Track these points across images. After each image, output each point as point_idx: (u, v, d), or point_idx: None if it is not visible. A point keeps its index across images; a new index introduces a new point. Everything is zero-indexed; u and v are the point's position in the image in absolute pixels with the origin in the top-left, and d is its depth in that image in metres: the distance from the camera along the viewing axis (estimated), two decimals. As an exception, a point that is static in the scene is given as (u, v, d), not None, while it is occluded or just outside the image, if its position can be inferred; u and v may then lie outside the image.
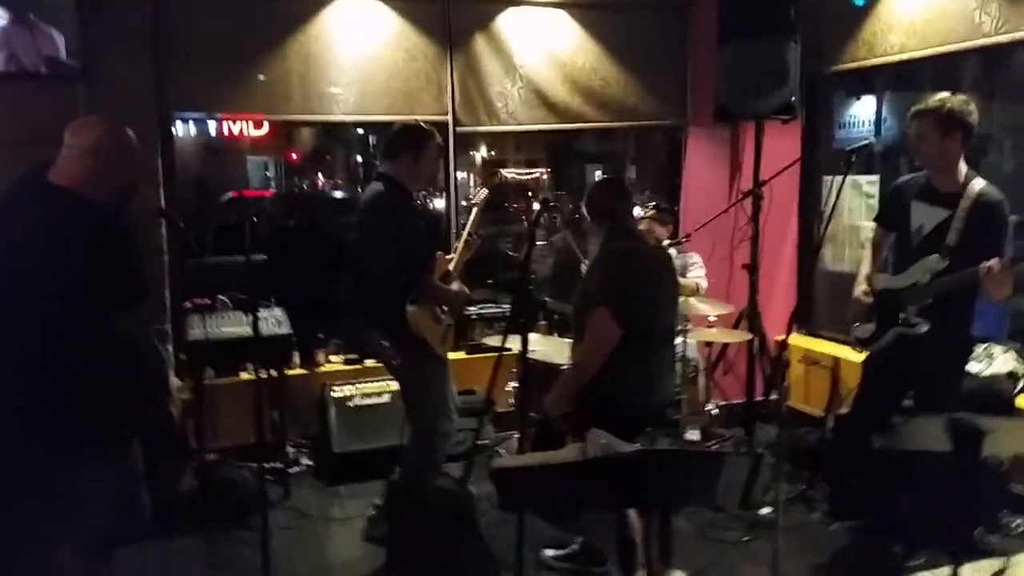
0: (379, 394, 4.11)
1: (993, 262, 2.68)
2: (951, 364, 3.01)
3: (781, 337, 2.95)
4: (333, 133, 8.30)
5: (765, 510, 3.45)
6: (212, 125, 7.12)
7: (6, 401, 2.10)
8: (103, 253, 2.09)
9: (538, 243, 4.73)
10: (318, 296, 4.41)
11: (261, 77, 4.10)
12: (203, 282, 4.10)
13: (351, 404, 4.07)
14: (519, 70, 4.54)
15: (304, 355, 4.32)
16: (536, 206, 3.72)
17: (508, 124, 4.60)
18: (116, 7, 3.73)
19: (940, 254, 2.88)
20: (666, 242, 4.03)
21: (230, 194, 6.77)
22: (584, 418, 2.58)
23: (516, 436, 3.80)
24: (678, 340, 3.68)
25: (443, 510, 2.63)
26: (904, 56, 3.90)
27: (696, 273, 4.29)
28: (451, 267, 3.35)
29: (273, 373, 3.82)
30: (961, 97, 2.89)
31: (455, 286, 3.32)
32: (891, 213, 3.16)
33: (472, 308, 4.71)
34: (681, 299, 3.82)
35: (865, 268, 3.21)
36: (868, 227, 3.48)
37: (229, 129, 7.33)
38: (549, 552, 3.12)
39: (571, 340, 2.93)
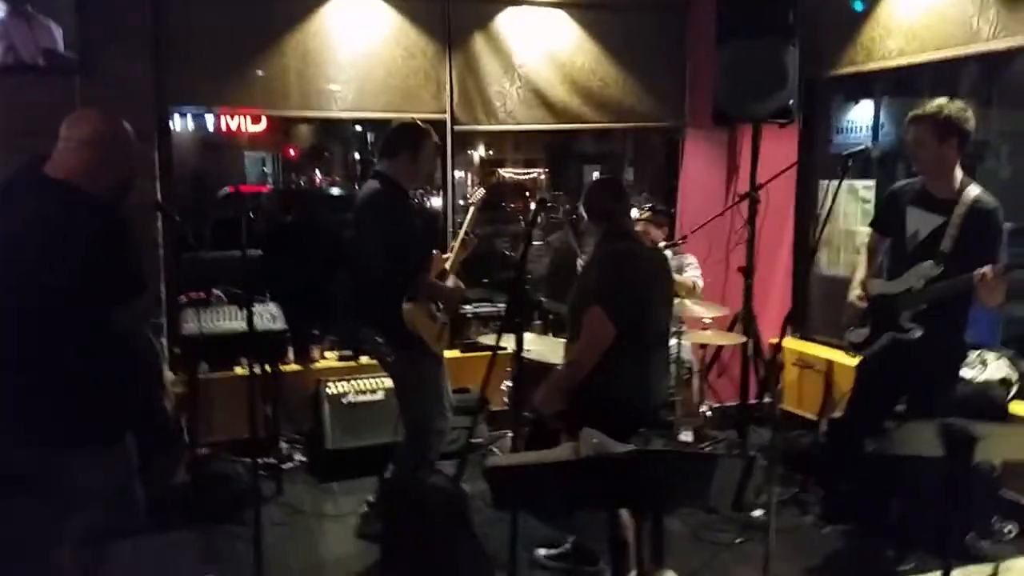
0: (373, 391, 4.10)
1: (987, 269, 2.69)
2: (944, 370, 3.02)
3: (775, 340, 2.96)
4: (331, 130, 8.29)
5: (758, 512, 3.46)
6: (210, 120, 7.10)
7: (1, 395, 2.09)
8: (100, 247, 2.09)
9: (535, 243, 4.74)
10: (314, 292, 4.42)
11: (259, 73, 4.09)
12: (198, 276, 4.10)
13: (345, 401, 4.06)
14: (518, 69, 4.54)
15: (298, 351, 4.32)
16: (533, 206, 3.73)
17: (506, 123, 4.60)
18: (115, 0, 3.72)
19: (935, 260, 2.89)
20: (662, 244, 4.04)
21: (227, 189, 6.75)
22: (578, 417, 2.59)
23: (510, 435, 3.80)
24: (673, 342, 3.69)
25: (437, 508, 2.63)
26: (902, 61, 3.91)
27: (692, 273, 4.30)
28: (447, 266, 3.35)
29: (267, 368, 3.81)
30: (959, 104, 2.90)
31: (451, 282, 3.32)
32: (887, 218, 3.17)
33: (468, 307, 4.71)
34: (677, 299, 3.84)
35: (860, 273, 3.21)
36: (864, 232, 3.50)
37: (227, 124, 7.32)
38: (542, 551, 3.12)
39: (566, 339, 2.93)
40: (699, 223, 4.27)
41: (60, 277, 2.05)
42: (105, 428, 2.17)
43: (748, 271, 4.21)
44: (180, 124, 6.80)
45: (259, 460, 3.19)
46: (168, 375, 3.16)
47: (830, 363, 4.26)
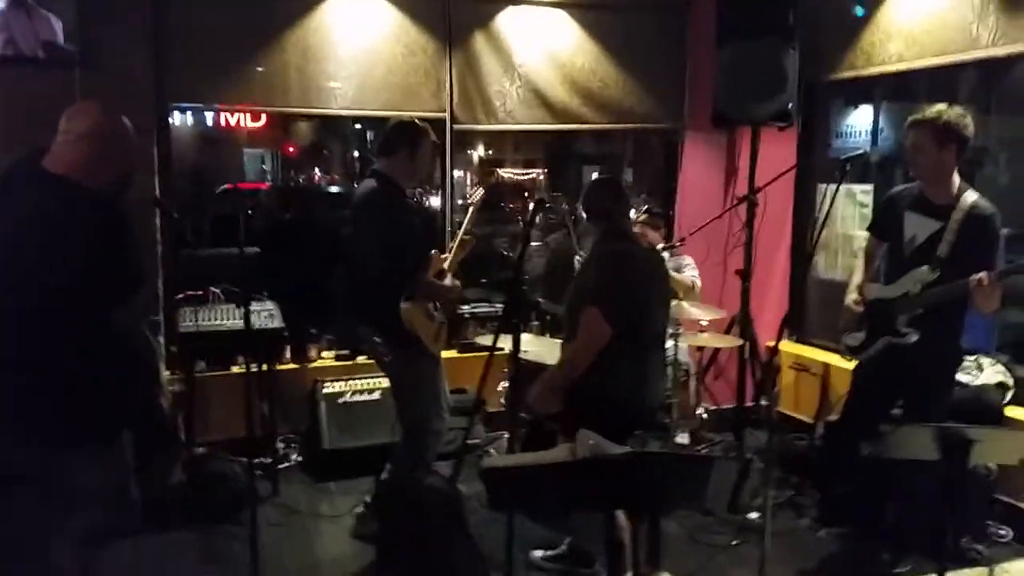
0: (370, 391, 4.10)
1: (983, 275, 2.70)
2: (940, 374, 3.03)
3: (772, 343, 2.97)
4: (330, 127, 8.28)
5: (754, 515, 3.47)
6: (209, 116, 7.09)
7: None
8: (99, 243, 2.08)
9: (533, 243, 4.74)
10: (312, 291, 4.41)
11: (259, 69, 4.08)
12: (196, 274, 4.09)
13: (342, 400, 4.06)
14: (518, 69, 4.54)
15: (296, 350, 4.32)
16: (531, 206, 3.73)
17: (506, 123, 4.60)
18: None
19: (931, 265, 2.90)
20: (660, 245, 4.04)
21: (225, 186, 6.75)
22: (574, 418, 2.59)
23: (506, 436, 3.80)
24: (670, 344, 3.69)
25: (433, 509, 2.63)
26: (902, 66, 3.92)
27: (690, 273, 4.31)
28: (446, 265, 3.35)
29: (264, 367, 3.80)
30: (958, 110, 2.91)
31: (448, 281, 3.32)
32: (884, 223, 3.18)
33: (465, 307, 4.71)
34: (675, 300, 3.84)
35: (857, 277, 3.22)
36: (861, 236, 3.51)
37: (226, 120, 7.31)
38: (538, 553, 3.12)
39: (562, 339, 2.93)
40: (697, 225, 4.27)
41: (59, 273, 2.04)
42: (103, 427, 2.16)
43: (746, 274, 4.21)
44: (179, 119, 6.79)
45: (255, 460, 3.18)
46: (165, 373, 3.16)
47: (826, 366, 4.27)
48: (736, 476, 3.64)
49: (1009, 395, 3.51)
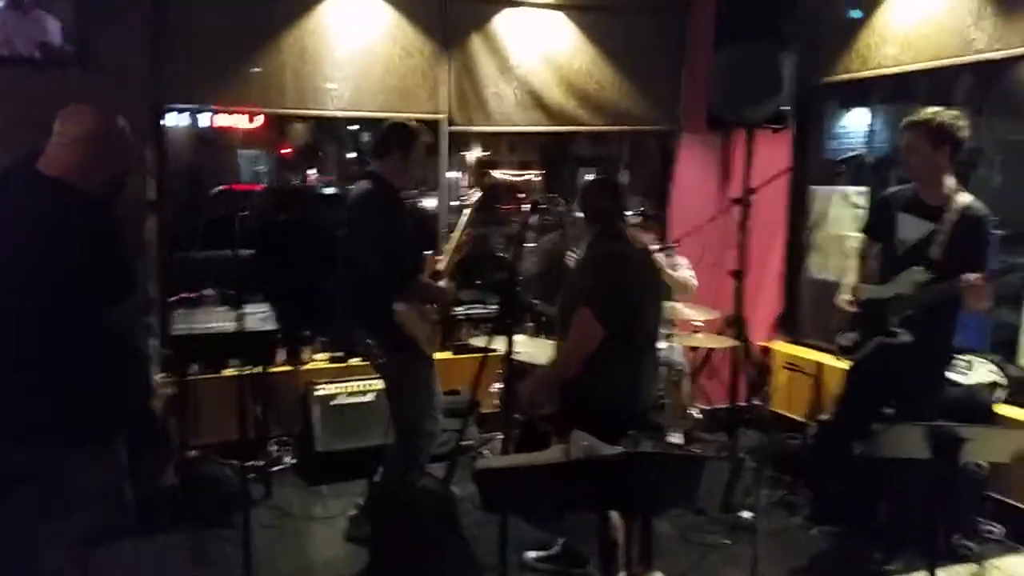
0: (363, 393, 4.09)
1: (973, 276, 2.71)
2: (932, 374, 3.04)
3: (765, 343, 2.99)
4: (326, 129, 8.25)
5: (746, 514, 3.47)
6: (205, 116, 7.07)
7: None
8: (92, 246, 2.08)
9: (528, 245, 4.74)
10: (306, 293, 4.40)
11: (256, 70, 4.08)
12: (190, 276, 4.08)
13: (335, 403, 4.05)
14: (515, 71, 4.54)
15: (289, 352, 4.31)
16: (527, 208, 3.73)
17: (502, 125, 4.60)
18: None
19: (924, 266, 2.91)
20: (656, 247, 4.05)
21: (220, 187, 6.70)
22: (567, 419, 2.59)
23: (500, 437, 3.80)
24: (663, 344, 3.69)
25: (426, 511, 2.63)
26: (897, 69, 3.93)
27: (686, 272, 4.31)
28: (441, 267, 3.35)
29: (257, 369, 3.79)
30: (953, 112, 2.93)
31: (443, 284, 3.32)
32: (878, 224, 3.20)
33: (459, 308, 4.70)
34: (669, 303, 3.84)
35: (850, 277, 3.23)
36: (855, 237, 3.52)
37: (222, 121, 7.28)
38: (531, 554, 3.12)
39: (556, 339, 2.93)
40: (692, 226, 4.27)
41: (52, 277, 2.05)
42: (97, 428, 2.16)
43: (739, 275, 4.21)
44: (175, 120, 6.76)
45: (248, 462, 3.19)
46: (158, 376, 3.16)
47: (819, 366, 4.28)
48: (729, 476, 3.64)
49: (1000, 394, 3.53)
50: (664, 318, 3.41)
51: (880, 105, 4.65)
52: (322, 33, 4.18)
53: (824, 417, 3.81)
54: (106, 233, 2.13)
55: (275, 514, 3.58)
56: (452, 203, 4.92)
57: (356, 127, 8.01)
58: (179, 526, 3.24)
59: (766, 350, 2.70)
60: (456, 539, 2.62)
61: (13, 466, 2.08)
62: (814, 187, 4.57)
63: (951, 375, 3.30)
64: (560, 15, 4.60)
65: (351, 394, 4.09)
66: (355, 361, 4.29)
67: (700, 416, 4.35)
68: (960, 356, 3.44)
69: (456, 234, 3.43)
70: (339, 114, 4.38)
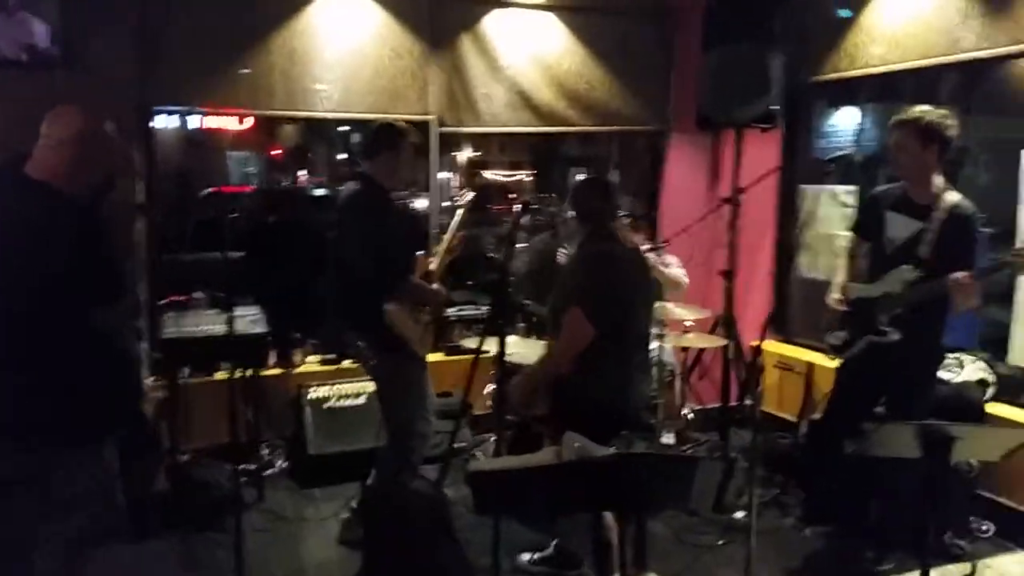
0: (355, 395, 4.08)
1: (961, 274, 2.73)
2: (922, 372, 3.06)
3: (756, 343, 3.00)
4: (316, 130, 8.21)
5: (739, 514, 3.48)
6: (194, 118, 7.02)
7: None
8: (80, 250, 2.08)
9: (519, 245, 4.73)
10: (296, 295, 4.38)
11: (245, 71, 4.06)
12: (180, 278, 4.05)
13: (327, 405, 4.04)
14: (504, 71, 4.54)
15: (280, 355, 4.29)
16: (517, 208, 3.73)
17: (492, 125, 4.60)
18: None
19: (913, 264, 2.93)
20: (646, 246, 4.05)
21: (209, 189, 6.66)
22: (559, 419, 2.59)
23: (493, 439, 3.80)
24: (655, 344, 3.70)
25: (419, 513, 2.62)
26: (885, 68, 3.95)
27: (677, 271, 4.32)
28: (433, 267, 3.34)
29: (248, 373, 3.78)
30: (942, 111, 2.94)
31: (433, 287, 3.31)
32: (866, 222, 3.21)
33: (451, 309, 4.69)
34: (659, 303, 3.85)
35: (839, 276, 3.25)
36: (844, 236, 3.54)
37: (211, 122, 7.24)
38: (525, 556, 3.12)
39: (547, 339, 2.93)
40: (682, 226, 4.29)
41: (40, 281, 2.04)
42: (85, 431, 2.15)
43: (729, 274, 4.23)
44: (163, 122, 6.72)
45: (240, 466, 3.17)
46: (148, 380, 3.14)
47: (810, 365, 4.30)
48: (721, 476, 3.65)
49: (990, 392, 3.55)
50: (655, 318, 3.42)
51: (868, 104, 4.67)
52: (311, 34, 4.16)
53: (815, 416, 3.83)
54: (94, 236, 2.13)
55: (267, 517, 3.57)
56: (444, 203, 4.91)
57: (347, 128, 7.98)
58: (171, 530, 3.23)
59: (757, 349, 2.71)
60: (449, 542, 2.62)
61: (3, 469, 2.07)
62: (803, 186, 4.59)
63: (941, 373, 3.32)
64: (550, 15, 4.60)
65: (343, 397, 4.08)
66: (347, 363, 4.27)
67: (692, 416, 4.36)
68: (950, 354, 3.46)
69: (448, 235, 3.43)
70: (328, 115, 4.37)
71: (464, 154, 7.59)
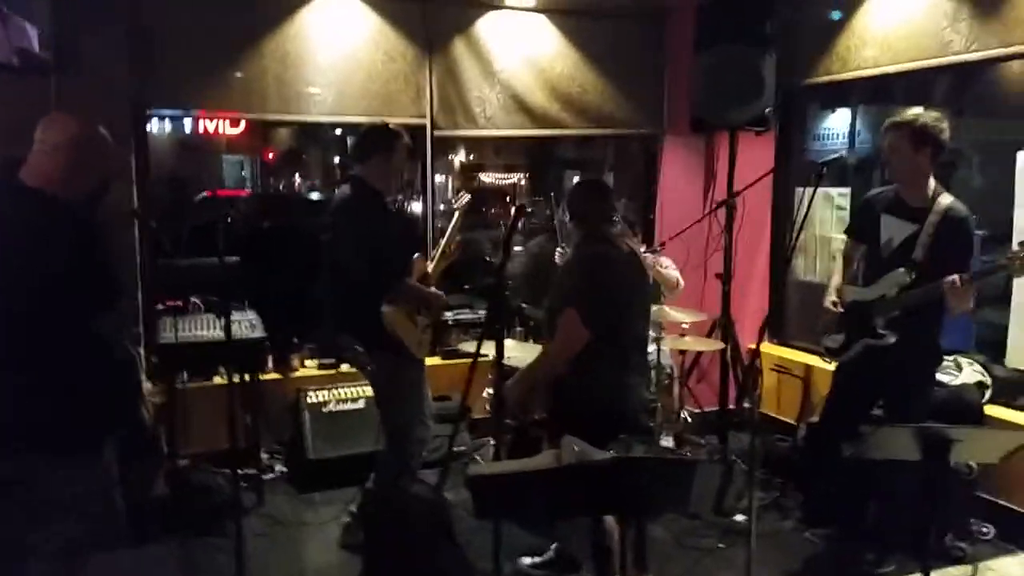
0: (354, 399, 4.08)
1: (955, 277, 2.74)
2: (919, 375, 3.07)
3: (753, 346, 3.00)
4: (311, 133, 8.23)
5: (739, 517, 3.48)
6: (187, 122, 7.02)
7: None
8: (75, 257, 2.08)
9: (515, 248, 4.74)
10: (293, 299, 4.37)
11: (238, 75, 4.06)
12: (175, 283, 4.04)
13: (326, 410, 4.03)
14: (498, 75, 4.55)
15: (278, 359, 4.28)
16: (513, 211, 3.74)
17: (486, 129, 4.60)
18: (92, 1, 3.66)
19: (908, 267, 2.94)
20: (642, 249, 4.06)
21: (204, 193, 6.68)
22: (557, 422, 2.60)
23: (492, 443, 3.80)
24: (652, 347, 3.71)
25: (419, 517, 2.62)
26: (877, 71, 3.97)
27: (673, 273, 4.33)
28: (429, 270, 3.34)
29: (246, 378, 3.76)
30: (935, 114, 2.96)
31: (431, 290, 3.31)
32: (861, 225, 3.23)
33: (448, 313, 4.69)
34: (656, 306, 3.85)
35: (835, 279, 3.26)
36: (839, 239, 3.55)
37: (205, 126, 7.24)
38: (525, 560, 3.12)
39: (543, 342, 2.93)
40: (677, 229, 4.30)
41: (36, 288, 2.04)
42: (83, 436, 2.15)
43: (726, 277, 4.24)
44: (157, 126, 6.71)
45: (239, 471, 3.15)
46: (147, 385, 3.13)
47: (808, 368, 4.31)
48: (720, 479, 3.65)
49: (988, 394, 3.57)
50: (652, 320, 3.42)
51: (861, 106, 4.70)
52: (304, 38, 4.16)
53: (813, 419, 3.84)
54: (89, 242, 2.13)
55: (267, 522, 3.56)
56: (440, 207, 4.91)
57: (341, 132, 7.98)
58: (170, 535, 3.21)
59: (754, 352, 2.71)
60: (449, 546, 2.62)
61: (2, 471, 2.06)
62: (799, 188, 4.61)
63: (939, 376, 3.33)
64: (542, 19, 4.62)
65: (342, 401, 4.07)
66: (346, 367, 4.27)
67: (690, 419, 4.37)
68: (947, 357, 3.47)
69: (445, 238, 3.42)
70: (322, 119, 4.37)
71: (459, 157, 7.60)
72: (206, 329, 3.68)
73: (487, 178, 7.47)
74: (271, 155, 8.65)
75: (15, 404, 2.06)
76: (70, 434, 2.10)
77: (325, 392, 4.08)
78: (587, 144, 6.50)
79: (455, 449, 3.54)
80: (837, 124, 4.77)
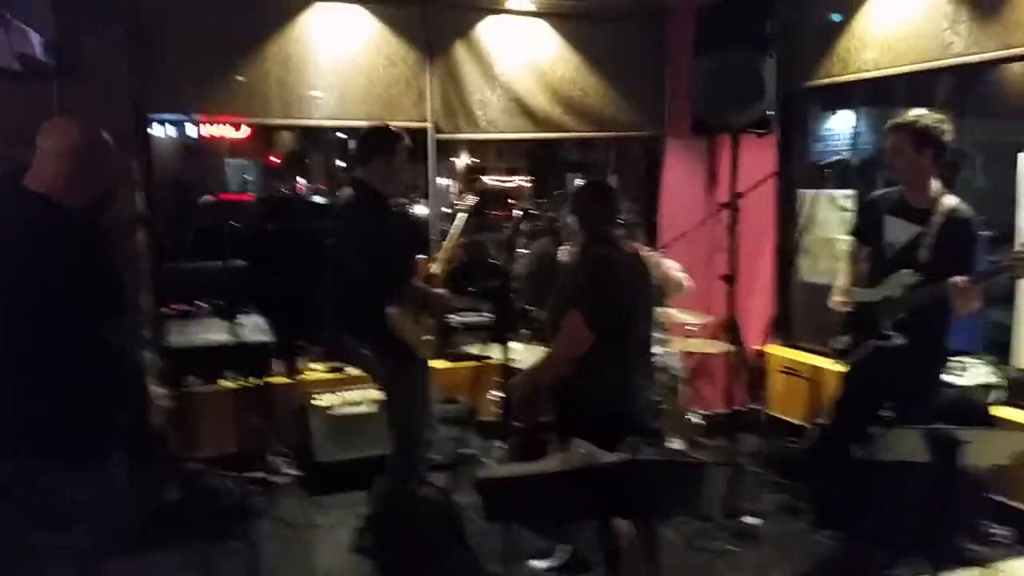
0: (362, 402, 4.08)
1: (960, 278, 2.74)
2: (927, 376, 3.06)
3: (760, 347, 3.01)
4: (313, 137, 8.23)
5: (750, 519, 3.48)
6: (191, 126, 7.03)
7: None
8: (81, 263, 2.08)
9: (519, 251, 4.74)
10: (299, 302, 4.38)
11: (240, 79, 4.07)
12: (181, 287, 4.05)
13: (334, 413, 4.03)
14: (499, 78, 4.56)
15: (285, 363, 4.28)
16: (517, 214, 3.76)
17: (488, 132, 4.62)
18: (94, 5, 3.68)
19: (912, 269, 2.95)
20: (646, 251, 4.06)
21: (208, 197, 6.68)
22: (562, 424, 2.60)
23: (500, 445, 3.80)
24: (660, 350, 3.70)
25: (430, 520, 2.62)
26: (877, 73, 3.98)
27: (678, 275, 4.33)
28: (435, 270, 3.34)
29: (254, 382, 3.77)
30: (937, 115, 2.96)
31: (437, 291, 3.31)
32: (865, 227, 3.23)
33: (454, 316, 4.70)
34: (662, 308, 3.85)
35: (841, 281, 3.26)
36: (843, 240, 3.56)
37: (208, 131, 7.24)
38: (536, 562, 3.12)
39: (547, 344, 2.93)
40: (680, 231, 4.30)
41: (42, 295, 2.04)
42: (93, 442, 2.15)
43: (731, 279, 4.24)
44: (160, 131, 6.72)
45: (249, 475, 3.16)
46: (156, 390, 3.13)
47: (815, 369, 4.31)
48: (730, 481, 3.65)
49: (996, 395, 3.56)
50: (657, 323, 3.42)
51: (863, 108, 4.70)
52: (306, 42, 4.18)
53: (822, 421, 3.83)
54: (94, 248, 2.12)
55: (277, 526, 3.56)
56: (444, 209, 4.92)
57: (344, 135, 7.99)
58: (182, 541, 3.21)
59: (761, 354, 2.72)
60: (461, 548, 2.62)
61: (5, 480, 2.07)
62: (802, 190, 4.61)
63: (947, 377, 3.32)
64: (542, 23, 4.63)
65: (350, 404, 4.07)
66: (353, 370, 4.27)
67: (698, 421, 4.36)
68: (954, 358, 3.46)
69: (451, 240, 3.43)
70: (324, 123, 4.39)
71: (462, 160, 7.61)
72: (213, 333, 3.68)
73: (490, 180, 7.49)
74: (274, 158, 8.65)
75: (22, 408, 2.06)
76: (78, 439, 2.10)
77: (333, 395, 4.08)
78: (589, 147, 6.52)
79: (464, 452, 3.55)
80: (839, 126, 4.77)
